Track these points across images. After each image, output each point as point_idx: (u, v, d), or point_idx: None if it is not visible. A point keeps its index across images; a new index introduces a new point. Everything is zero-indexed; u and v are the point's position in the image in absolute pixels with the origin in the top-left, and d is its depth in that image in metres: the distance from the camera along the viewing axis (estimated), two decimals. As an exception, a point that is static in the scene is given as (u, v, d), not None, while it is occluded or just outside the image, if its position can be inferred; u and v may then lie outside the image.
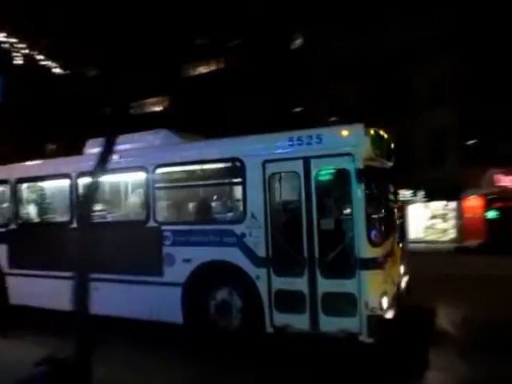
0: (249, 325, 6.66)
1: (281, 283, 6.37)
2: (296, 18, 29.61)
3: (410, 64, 24.21)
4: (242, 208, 6.74)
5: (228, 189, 7.41)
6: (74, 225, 7.93)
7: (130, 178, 8.31)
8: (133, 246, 7.41)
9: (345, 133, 6.08)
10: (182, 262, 7.01)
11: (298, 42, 34.56)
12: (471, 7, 22.39)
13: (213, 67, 35.58)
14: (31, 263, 8.48)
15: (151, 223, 7.33)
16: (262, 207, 6.47)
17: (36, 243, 8.52)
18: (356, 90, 25.88)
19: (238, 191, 7.04)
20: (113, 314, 7.46)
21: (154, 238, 7.21)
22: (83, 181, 7.67)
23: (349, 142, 6.02)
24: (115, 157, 7.43)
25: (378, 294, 5.93)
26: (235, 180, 6.90)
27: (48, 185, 9.05)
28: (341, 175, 6.19)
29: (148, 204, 7.38)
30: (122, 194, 8.66)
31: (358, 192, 5.89)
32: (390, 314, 6.03)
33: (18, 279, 8.73)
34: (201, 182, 7.55)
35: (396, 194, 7.86)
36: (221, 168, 7.07)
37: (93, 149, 8.05)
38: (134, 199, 8.08)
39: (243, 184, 6.64)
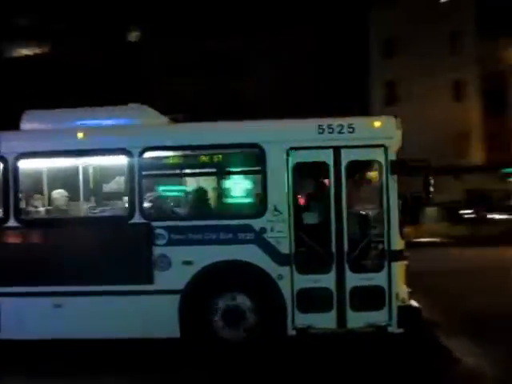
0: (267, 330, 5.94)
1: (305, 281, 5.88)
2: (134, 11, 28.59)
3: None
4: (261, 200, 5.99)
5: (243, 178, 6.36)
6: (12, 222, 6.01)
7: (105, 162, 6.65)
8: (111, 248, 5.93)
9: (377, 124, 5.97)
10: (181, 264, 5.91)
11: (135, 34, 33.09)
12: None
13: (35, 50, 31.51)
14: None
15: (137, 219, 5.97)
16: (285, 199, 5.87)
17: None
18: (193, 87, 26.27)
19: (256, 181, 6.17)
20: (83, 336, 5.85)
21: (142, 237, 5.91)
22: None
23: (381, 134, 5.93)
24: (81, 136, 5.99)
25: (405, 285, 6.04)
26: (253, 168, 6.13)
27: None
28: (372, 167, 6.08)
29: (132, 196, 5.98)
30: (93, 183, 6.81)
31: (391, 184, 5.86)
32: (414, 303, 6.17)
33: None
34: (207, 170, 6.41)
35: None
36: (235, 154, 6.14)
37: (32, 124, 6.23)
38: (113, 189, 6.43)
39: (263, 173, 5.90)
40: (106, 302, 5.87)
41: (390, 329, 5.89)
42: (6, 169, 6.03)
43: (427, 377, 5.35)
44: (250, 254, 5.85)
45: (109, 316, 5.86)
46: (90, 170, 6.81)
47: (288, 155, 5.88)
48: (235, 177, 6.32)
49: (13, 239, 6.01)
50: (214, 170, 6.33)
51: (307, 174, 6.21)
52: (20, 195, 6.13)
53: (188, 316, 5.90)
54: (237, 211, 6.33)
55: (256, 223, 5.85)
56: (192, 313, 5.90)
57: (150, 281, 5.90)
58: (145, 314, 5.86)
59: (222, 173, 6.20)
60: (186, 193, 6.61)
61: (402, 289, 5.94)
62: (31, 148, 6.04)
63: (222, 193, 6.34)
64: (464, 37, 30.79)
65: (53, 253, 5.91)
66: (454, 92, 31.71)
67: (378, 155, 5.89)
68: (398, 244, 5.91)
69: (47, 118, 6.35)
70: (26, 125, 6.41)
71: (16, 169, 6.00)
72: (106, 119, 6.24)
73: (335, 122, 5.95)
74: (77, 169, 6.50)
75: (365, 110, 29.79)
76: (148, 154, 6.02)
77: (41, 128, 6.25)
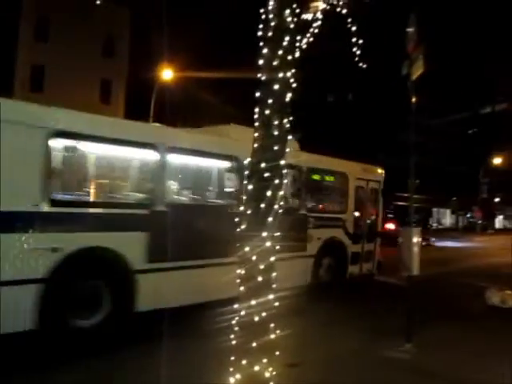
0: (338, 276, 10.00)
1: (355, 248, 10.64)
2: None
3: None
4: (344, 205, 10.54)
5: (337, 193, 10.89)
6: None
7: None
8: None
9: None
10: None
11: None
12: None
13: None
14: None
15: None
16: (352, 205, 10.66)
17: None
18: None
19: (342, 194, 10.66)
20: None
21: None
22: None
23: None
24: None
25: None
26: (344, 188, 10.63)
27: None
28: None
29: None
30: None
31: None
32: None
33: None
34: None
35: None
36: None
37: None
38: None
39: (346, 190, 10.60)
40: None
41: (375, 276, 11.66)
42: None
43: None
44: (340, 234, 10.44)
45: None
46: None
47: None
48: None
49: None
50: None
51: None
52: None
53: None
54: (337, 211, 10.69)
55: (343, 217, 10.58)
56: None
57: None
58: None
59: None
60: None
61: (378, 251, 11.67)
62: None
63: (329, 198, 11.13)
64: (118, 40, 32.17)
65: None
66: (102, 91, 32.40)
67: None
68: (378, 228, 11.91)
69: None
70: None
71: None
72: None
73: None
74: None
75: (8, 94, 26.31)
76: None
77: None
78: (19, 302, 5.21)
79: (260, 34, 4.10)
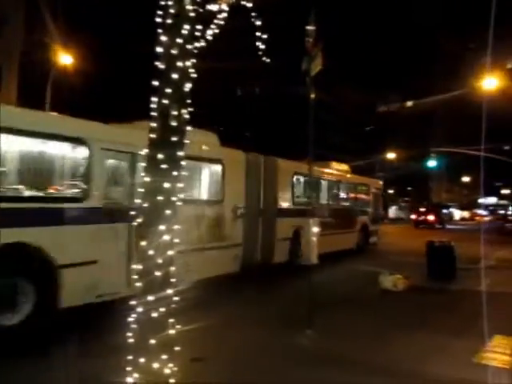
0: (366, 242, 18.03)
1: (372, 228, 18.51)
2: None
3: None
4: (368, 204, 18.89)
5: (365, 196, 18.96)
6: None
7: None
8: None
9: None
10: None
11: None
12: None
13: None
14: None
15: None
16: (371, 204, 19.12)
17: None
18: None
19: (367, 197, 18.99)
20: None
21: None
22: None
23: None
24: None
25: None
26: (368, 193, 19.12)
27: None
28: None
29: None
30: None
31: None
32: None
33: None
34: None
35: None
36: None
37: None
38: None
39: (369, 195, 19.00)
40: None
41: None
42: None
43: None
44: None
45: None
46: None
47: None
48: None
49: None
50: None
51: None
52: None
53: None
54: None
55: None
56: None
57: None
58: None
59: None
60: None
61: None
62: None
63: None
64: (8, 20, 29.39)
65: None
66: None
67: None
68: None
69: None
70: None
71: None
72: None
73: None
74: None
75: None
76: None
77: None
78: None
79: (158, 20, 3.96)
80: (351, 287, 10.43)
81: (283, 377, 5.10)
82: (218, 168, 9.84)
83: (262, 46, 5.84)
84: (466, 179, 75.63)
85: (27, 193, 6.20)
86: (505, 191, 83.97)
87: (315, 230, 6.58)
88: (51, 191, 6.64)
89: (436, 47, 70.38)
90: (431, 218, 38.90)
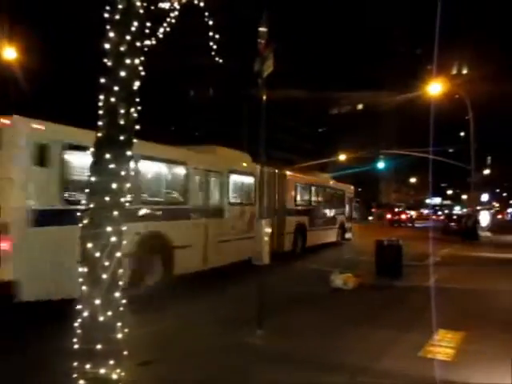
0: (343, 237, 21.84)
1: (347, 225, 22.48)
2: None
3: None
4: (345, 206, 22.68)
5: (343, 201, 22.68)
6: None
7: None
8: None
9: None
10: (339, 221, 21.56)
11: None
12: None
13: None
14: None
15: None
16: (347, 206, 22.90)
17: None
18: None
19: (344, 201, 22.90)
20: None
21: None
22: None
23: None
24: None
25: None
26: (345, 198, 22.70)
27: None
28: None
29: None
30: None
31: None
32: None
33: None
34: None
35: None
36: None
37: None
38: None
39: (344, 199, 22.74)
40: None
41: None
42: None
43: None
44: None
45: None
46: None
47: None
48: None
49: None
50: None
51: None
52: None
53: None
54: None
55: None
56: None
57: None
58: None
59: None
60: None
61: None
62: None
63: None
64: None
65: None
66: None
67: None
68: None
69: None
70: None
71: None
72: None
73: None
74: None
75: None
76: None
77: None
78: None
79: (107, 16, 3.86)
80: (304, 286, 10.55)
81: (233, 377, 5.09)
82: (251, 179, 13.27)
83: (215, 46, 5.83)
84: (413, 180, 78.66)
85: (157, 199, 9.31)
86: (449, 192, 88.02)
87: (267, 230, 6.62)
88: (168, 198, 9.76)
89: (386, 52, 72.86)
90: (403, 217, 48.15)
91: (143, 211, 8.45)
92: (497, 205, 71.81)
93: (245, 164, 13.03)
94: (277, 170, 15.04)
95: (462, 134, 51.81)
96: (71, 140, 7.12)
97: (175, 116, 40.95)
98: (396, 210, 50.23)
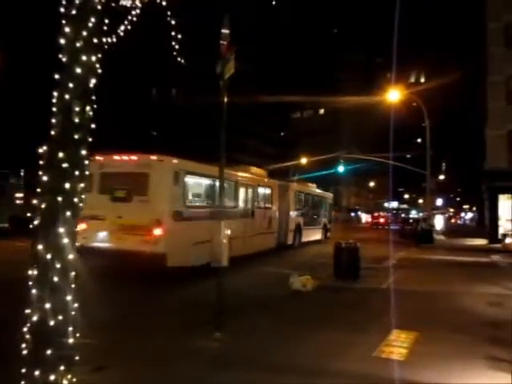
0: (326, 236, 25.89)
1: (329, 225, 27.05)
2: None
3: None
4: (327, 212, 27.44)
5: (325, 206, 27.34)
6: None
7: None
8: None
9: None
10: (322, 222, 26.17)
11: None
12: None
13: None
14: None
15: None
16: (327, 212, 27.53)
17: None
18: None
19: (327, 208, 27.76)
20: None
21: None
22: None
23: None
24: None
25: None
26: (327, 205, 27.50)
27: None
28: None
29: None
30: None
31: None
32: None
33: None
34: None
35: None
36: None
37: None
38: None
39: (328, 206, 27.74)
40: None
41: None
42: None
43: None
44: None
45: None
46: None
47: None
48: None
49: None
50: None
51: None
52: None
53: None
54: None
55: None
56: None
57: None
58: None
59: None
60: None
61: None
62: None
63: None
64: None
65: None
66: None
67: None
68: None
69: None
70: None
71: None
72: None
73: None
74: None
75: None
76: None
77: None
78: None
79: (62, 10, 3.74)
80: (264, 289, 10.60)
81: (189, 381, 5.03)
82: (269, 190, 18.26)
83: (177, 47, 5.77)
84: (372, 184, 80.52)
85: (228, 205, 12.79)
86: (406, 196, 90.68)
87: (227, 232, 6.60)
88: (229, 205, 13.61)
89: (348, 59, 74.29)
90: (382, 220, 57.59)
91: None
92: (451, 210, 74.57)
93: (266, 179, 18.50)
94: (285, 183, 21.02)
95: (419, 140, 53.55)
96: (189, 169, 11.71)
97: (135, 115, 40.23)
98: (376, 214, 61.34)
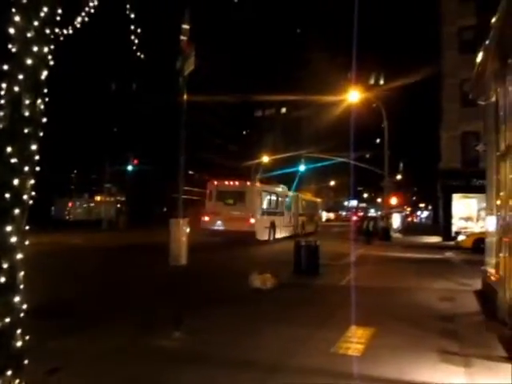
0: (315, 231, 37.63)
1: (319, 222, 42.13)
2: None
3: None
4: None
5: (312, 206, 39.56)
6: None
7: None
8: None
9: None
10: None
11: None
12: None
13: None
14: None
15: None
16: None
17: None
18: None
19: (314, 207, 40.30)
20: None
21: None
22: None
23: None
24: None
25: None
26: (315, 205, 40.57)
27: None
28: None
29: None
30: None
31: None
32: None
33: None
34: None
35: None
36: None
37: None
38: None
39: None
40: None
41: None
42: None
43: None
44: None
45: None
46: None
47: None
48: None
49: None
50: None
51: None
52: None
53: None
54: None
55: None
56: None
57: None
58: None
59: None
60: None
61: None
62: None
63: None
64: None
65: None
66: None
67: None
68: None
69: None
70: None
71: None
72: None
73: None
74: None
75: None
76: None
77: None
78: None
79: (13, -1, 3.58)
80: (224, 287, 10.56)
81: (145, 381, 4.95)
82: (288, 198, 30.43)
83: (136, 41, 5.65)
84: (332, 183, 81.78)
85: (273, 209, 27.40)
86: (366, 195, 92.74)
87: (186, 230, 6.52)
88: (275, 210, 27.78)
89: (310, 58, 75.00)
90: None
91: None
92: (408, 208, 76.81)
93: (287, 191, 30.80)
94: (297, 193, 33.31)
95: (378, 140, 54.88)
96: (264, 189, 26.71)
97: (94, 110, 39.21)
98: (359, 214, 66.34)
